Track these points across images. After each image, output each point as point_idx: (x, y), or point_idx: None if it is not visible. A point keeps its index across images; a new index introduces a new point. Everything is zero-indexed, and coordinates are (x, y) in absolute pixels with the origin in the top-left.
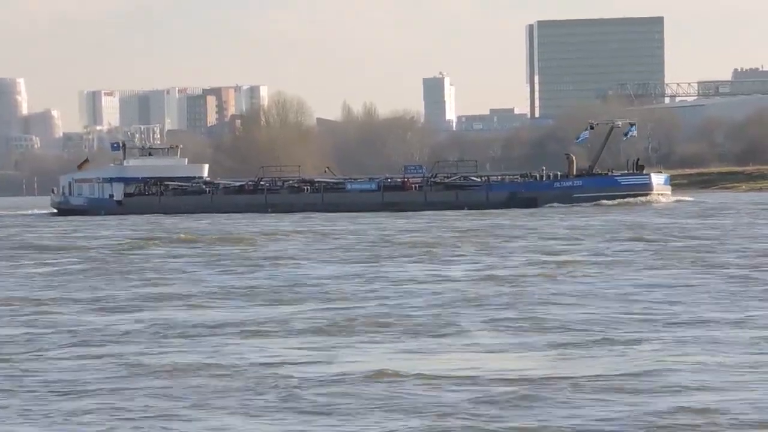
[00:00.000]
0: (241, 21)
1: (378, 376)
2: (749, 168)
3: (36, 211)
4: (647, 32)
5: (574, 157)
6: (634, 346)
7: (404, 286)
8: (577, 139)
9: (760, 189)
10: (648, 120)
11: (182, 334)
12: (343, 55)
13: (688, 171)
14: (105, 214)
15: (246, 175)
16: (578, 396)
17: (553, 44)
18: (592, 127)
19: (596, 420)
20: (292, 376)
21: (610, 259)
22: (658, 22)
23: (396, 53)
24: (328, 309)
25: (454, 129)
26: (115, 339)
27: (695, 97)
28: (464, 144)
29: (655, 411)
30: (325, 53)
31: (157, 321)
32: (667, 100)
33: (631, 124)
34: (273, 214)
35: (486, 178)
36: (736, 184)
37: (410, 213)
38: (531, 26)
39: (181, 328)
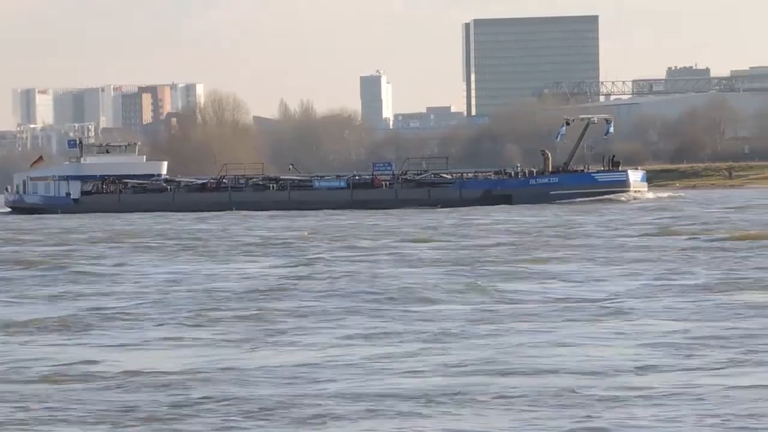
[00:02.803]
0: (177, 19)
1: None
2: (683, 166)
3: None
4: (582, 31)
5: (549, 154)
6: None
7: None
8: (557, 137)
9: (695, 186)
10: None
11: None
12: (280, 52)
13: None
14: (62, 213)
15: (184, 173)
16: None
17: (489, 43)
18: (568, 123)
19: None
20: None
21: None
22: (593, 20)
23: (333, 51)
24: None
25: (391, 127)
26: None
27: (630, 96)
28: (401, 142)
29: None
30: (262, 51)
31: None
32: (602, 98)
33: (608, 121)
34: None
35: (459, 174)
36: (670, 182)
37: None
38: (467, 24)
39: None
